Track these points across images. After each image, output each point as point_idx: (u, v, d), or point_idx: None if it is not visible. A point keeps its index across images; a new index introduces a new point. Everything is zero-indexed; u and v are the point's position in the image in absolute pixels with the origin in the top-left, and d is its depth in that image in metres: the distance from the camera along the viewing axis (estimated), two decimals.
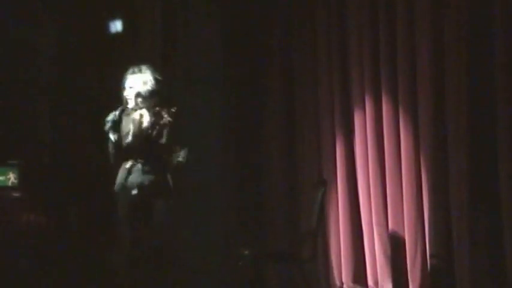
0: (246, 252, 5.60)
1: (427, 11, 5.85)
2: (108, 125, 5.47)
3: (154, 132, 5.44)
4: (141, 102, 5.53)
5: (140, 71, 5.59)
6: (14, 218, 6.69)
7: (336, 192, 6.48)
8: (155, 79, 5.57)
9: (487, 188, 5.45)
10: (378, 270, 6.18)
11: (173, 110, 5.51)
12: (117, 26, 7.28)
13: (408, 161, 5.96)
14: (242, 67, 7.15)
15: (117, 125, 5.47)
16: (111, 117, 5.48)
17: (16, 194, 6.73)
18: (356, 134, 6.38)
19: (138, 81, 5.56)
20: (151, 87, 5.55)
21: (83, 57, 7.15)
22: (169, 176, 5.49)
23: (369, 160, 6.26)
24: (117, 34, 7.28)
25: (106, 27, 7.30)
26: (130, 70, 5.60)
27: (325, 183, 6.09)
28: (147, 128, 5.45)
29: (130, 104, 5.54)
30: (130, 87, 5.56)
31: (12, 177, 6.73)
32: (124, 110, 5.51)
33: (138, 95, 5.52)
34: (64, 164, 7.02)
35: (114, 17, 7.27)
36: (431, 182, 5.77)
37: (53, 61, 7.25)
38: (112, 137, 5.46)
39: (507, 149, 5.32)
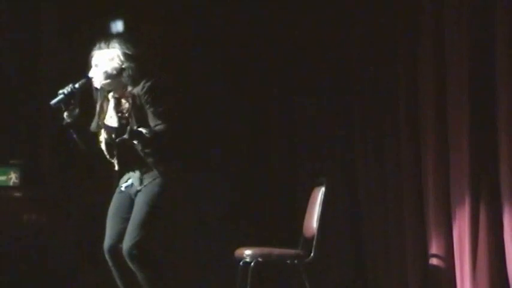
0: (246, 252, 5.59)
1: None
2: (58, 99, 4.70)
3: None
4: (108, 83, 4.80)
5: (108, 45, 4.82)
6: (16, 218, 6.70)
7: (336, 191, 6.49)
8: (124, 54, 4.79)
9: (488, 186, 5.43)
10: (379, 271, 6.18)
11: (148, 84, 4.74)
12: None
13: (409, 160, 5.96)
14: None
15: (74, 102, 4.71)
16: (65, 89, 4.71)
17: (17, 194, 6.75)
18: (355, 134, 6.40)
19: (104, 58, 4.81)
20: (119, 64, 4.78)
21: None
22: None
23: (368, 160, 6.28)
24: None
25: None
26: (97, 45, 4.86)
27: (325, 182, 6.08)
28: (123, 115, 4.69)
29: (97, 85, 4.82)
30: (96, 65, 4.82)
31: (13, 177, 6.73)
32: (83, 86, 4.75)
33: (104, 74, 4.77)
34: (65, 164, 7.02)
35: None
36: (433, 181, 5.75)
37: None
38: (66, 115, 4.71)
39: (508, 151, 5.30)
